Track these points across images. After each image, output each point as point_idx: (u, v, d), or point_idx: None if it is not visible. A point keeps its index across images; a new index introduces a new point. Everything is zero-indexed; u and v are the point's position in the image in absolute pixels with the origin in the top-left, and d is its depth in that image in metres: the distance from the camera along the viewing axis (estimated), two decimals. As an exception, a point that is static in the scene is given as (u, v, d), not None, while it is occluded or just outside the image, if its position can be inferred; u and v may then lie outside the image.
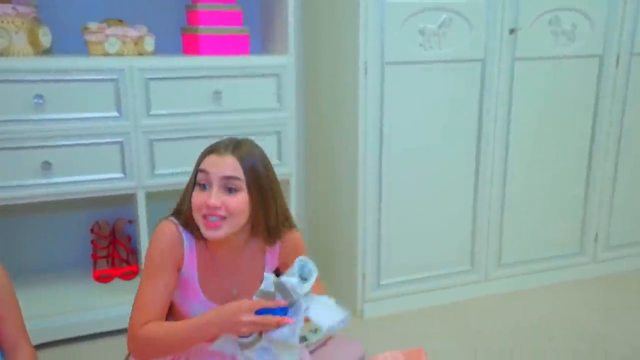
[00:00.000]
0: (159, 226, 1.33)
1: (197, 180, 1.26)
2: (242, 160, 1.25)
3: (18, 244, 2.30)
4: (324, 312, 1.25)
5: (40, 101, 1.85)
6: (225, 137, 1.34)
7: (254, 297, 1.20)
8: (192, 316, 1.35)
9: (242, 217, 1.27)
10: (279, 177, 2.21)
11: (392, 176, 2.21)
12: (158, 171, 2.03)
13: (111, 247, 2.37)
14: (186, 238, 1.32)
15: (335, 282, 2.52)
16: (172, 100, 2.01)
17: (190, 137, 2.04)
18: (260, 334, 1.21)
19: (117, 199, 2.29)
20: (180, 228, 1.32)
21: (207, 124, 2.05)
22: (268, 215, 1.30)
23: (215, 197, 1.22)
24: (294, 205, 2.30)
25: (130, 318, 1.26)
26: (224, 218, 1.24)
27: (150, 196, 2.07)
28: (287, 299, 1.19)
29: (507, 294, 2.49)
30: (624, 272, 2.70)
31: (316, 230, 2.74)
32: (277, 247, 1.41)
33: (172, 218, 1.34)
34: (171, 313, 1.40)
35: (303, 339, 2.14)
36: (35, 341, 1.99)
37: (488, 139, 2.33)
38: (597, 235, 2.63)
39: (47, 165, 1.90)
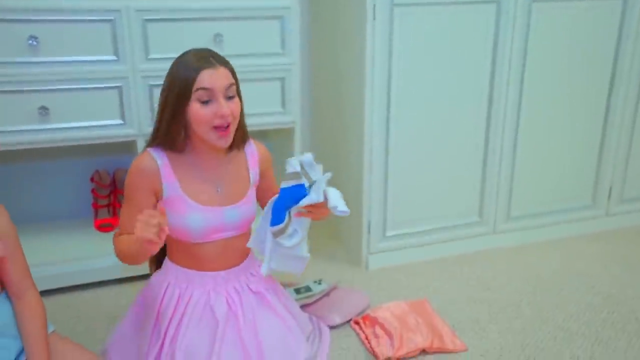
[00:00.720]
0: (133, 162, 1.45)
1: (197, 98, 1.33)
2: (229, 68, 1.38)
3: (19, 192, 2.27)
4: (337, 196, 1.35)
5: (35, 43, 1.78)
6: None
7: (283, 183, 1.36)
8: (191, 231, 1.43)
9: (239, 118, 1.42)
10: (282, 126, 2.20)
11: (399, 125, 2.13)
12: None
13: (112, 196, 2.34)
14: (158, 157, 1.42)
15: (341, 232, 2.49)
16: (171, 44, 1.92)
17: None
18: (290, 216, 1.36)
19: (117, 147, 2.25)
20: (152, 152, 1.43)
21: (208, 68, 1.97)
22: (243, 117, 1.46)
23: (225, 106, 1.34)
24: (297, 156, 2.24)
25: (113, 241, 1.45)
26: (229, 125, 1.36)
27: (151, 144, 2.01)
28: (308, 179, 1.35)
29: (516, 247, 2.45)
30: (637, 226, 2.64)
31: (322, 181, 2.70)
32: (256, 154, 1.57)
33: (148, 148, 1.45)
34: (175, 243, 1.50)
35: (308, 288, 2.14)
36: (38, 288, 2.01)
37: (501, 87, 2.23)
38: (611, 188, 2.56)
39: (44, 111, 1.84)
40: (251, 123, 2.08)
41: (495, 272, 2.25)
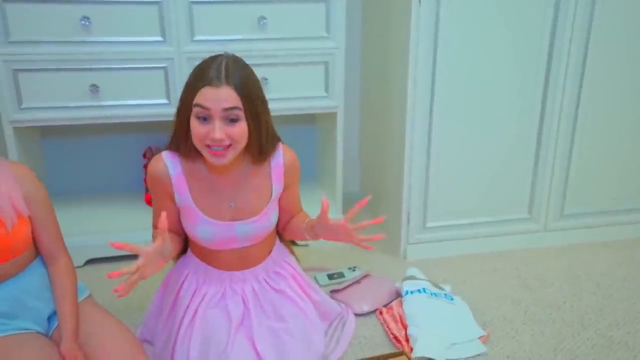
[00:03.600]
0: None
1: (195, 114, 1.27)
2: (238, 89, 1.26)
3: (76, 165, 2.41)
4: None
5: (87, 23, 1.87)
6: (222, 53, 1.34)
7: None
8: (201, 240, 1.44)
9: (244, 142, 1.32)
10: (325, 111, 2.20)
11: (444, 112, 2.06)
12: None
13: (162, 173, 2.43)
14: (172, 165, 1.40)
15: (383, 222, 2.46)
16: (216, 26, 1.96)
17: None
18: None
19: (167, 125, 2.31)
20: (167, 159, 1.41)
21: (251, 51, 1.99)
22: (260, 136, 1.35)
23: (218, 131, 1.25)
24: (340, 141, 2.23)
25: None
26: (228, 146, 1.29)
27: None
28: None
29: (565, 247, 2.32)
30: None
31: (364, 167, 2.67)
32: (282, 164, 1.47)
33: (162, 153, 1.42)
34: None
35: (341, 274, 2.14)
36: (85, 257, 2.15)
37: (559, 73, 2.09)
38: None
39: (94, 89, 1.94)
40: (294, 107, 2.11)
41: (538, 272, 2.15)
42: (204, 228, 1.43)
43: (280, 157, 1.47)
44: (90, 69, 1.92)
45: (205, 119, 1.27)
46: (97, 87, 1.94)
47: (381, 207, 2.45)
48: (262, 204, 1.47)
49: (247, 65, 1.34)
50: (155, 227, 1.40)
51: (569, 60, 2.08)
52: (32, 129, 2.19)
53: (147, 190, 2.43)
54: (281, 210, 1.56)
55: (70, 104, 1.94)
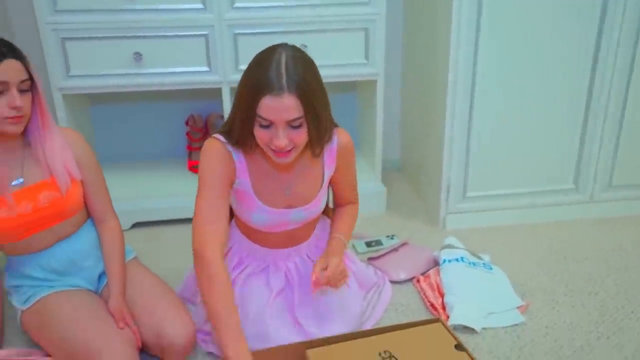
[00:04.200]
0: (205, 144, 1.40)
1: (258, 122, 1.25)
2: (300, 97, 1.22)
3: (121, 132, 2.49)
4: None
5: (130, -9, 1.90)
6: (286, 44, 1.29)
7: None
8: (258, 225, 1.46)
9: (305, 142, 1.32)
10: (364, 78, 2.17)
11: (488, 80, 2.01)
12: (242, 66, 2.03)
13: (204, 139, 2.47)
14: (235, 154, 1.39)
15: (421, 190, 2.45)
16: (256, -8, 1.96)
17: (275, 32, 2.00)
18: None
19: (209, 92, 2.36)
20: (229, 147, 1.37)
21: (291, 18, 1.99)
22: (320, 135, 1.33)
23: (282, 139, 1.25)
24: (380, 109, 2.22)
25: (192, 232, 1.34)
26: (291, 149, 1.30)
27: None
28: None
29: (612, 219, 2.26)
30: None
31: (405, 135, 2.64)
32: (335, 148, 1.46)
33: (219, 136, 1.38)
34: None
35: (379, 242, 2.15)
36: (131, 220, 2.23)
37: (611, 40, 2.00)
38: None
39: (138, 56, 1.98)
40: (333, 74, 2.10)
41: (583, 244, 2.10)
42: (259, 215, 1.45)
43: (335, 142, 1.47)
44: (134, 37, 1.96)
45: (268, 126, 1.26)
46: (141, 55, 1.97)
47: (421, 176, 2.43)
48: (315, 191, 1.49)
49: (306, 58, 1.28)
50: (203, 219, 1.33)
51: (622, 26, 1.98)
52: (81, 96, 2.26)
53: (189, 156, 2.48)
54: (334, 191, 1.58)
55: (115, 72, 1.99)
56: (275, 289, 1.54)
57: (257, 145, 1.34)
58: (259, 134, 1.27)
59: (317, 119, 1.28)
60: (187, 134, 2.47)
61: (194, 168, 2.42)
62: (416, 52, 2.38)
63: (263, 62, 1.24)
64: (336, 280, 1.45)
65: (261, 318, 1.48)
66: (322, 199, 1.52)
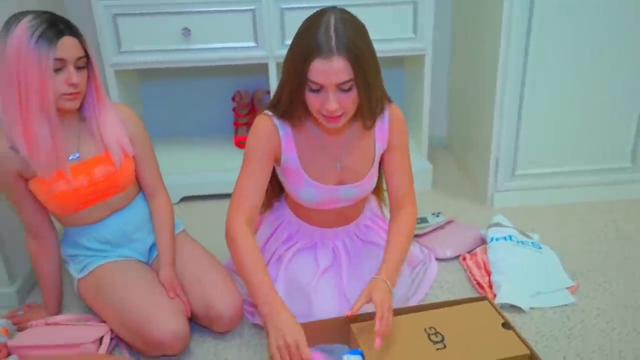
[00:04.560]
0: (255, 120, 1.40)
1: (309, 86, 1.25)
2: (350, 59, 1.20)
3: (169, 107, 2.53)
4: None
5: (179, -33, 1.91)
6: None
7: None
8: (307, 201, 1.46)
9: (355, 107, 1.30)
10: (412, 53, 2.13)
11: (540, 54, 1.93)
12: (288, 41, 2.01)
13: (251, 116, 2.49)
14: (281, 127, 1.38)
15: (468, 167, 2.40)
16: (303, -35, 1.94)
17: (321, 6, 1.96)
18: None
19: (255, 68, 2.35)
20: (275, 119, 1.38)
21: (338, -8, 1.96)
22: (370, 101, 1.31)
23: (332, 102, 1.24)
24: (427, 85, 2.17)
25: (230, 202, 1.40)
26: (341, 114, 1.28)
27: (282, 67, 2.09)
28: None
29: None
30: None
31: (452, 111, 2.59)
32: (387, 123, 1.43)
33: (267, 111, 1.39)
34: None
35: (424, 220, 2.13)
36: (180, 194, 2.28)
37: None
38: None
39: (186, 32, 2.00)
40: (380, 49, 2.03)
41: (638, 225, 2.02)
42: (308, 191, 1.44)
43: (387, 117, 1.43)
44: (183, 13, 1.97)
45: (318, 90, 1.25)
46: (189, 30, 1.99)
47: (469, 153, 2.39)
48: (366, 167, 1.46)
49: (356, 21, 1.26)
50: (240, 197, 1.38)
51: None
52: (131, 72, 2.30)
53: (236, 132, 2.51)
54: (388, 182, 1.50)
55: (164, 47, 2.01)
56: (322, 266, 1.55)
57: (306, 115, 1.34)
58: (310, 99, 1.26)
59: (367, 84, 1.26)
60: (234, 109, 2.50)
61: (240, 144, 2.45)
62: (465, 25, 2.32)
63: (312, 26, 1.23)
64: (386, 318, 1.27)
65: (307, 293, 1.50)
66: (374, 176, 1.49)
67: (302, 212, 1.57)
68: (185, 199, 2.28)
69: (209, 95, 2.52)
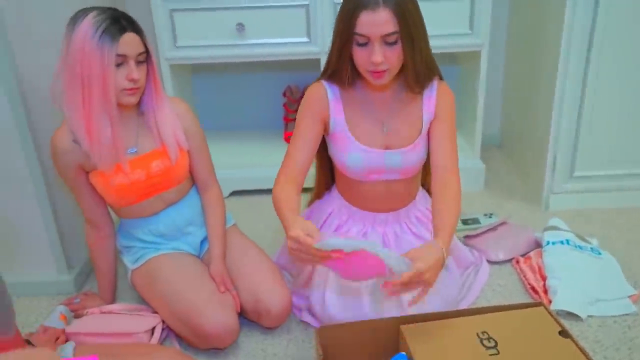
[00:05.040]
0: (308, 88, 1.45)
1: (356, 40, 1.29)
2: (395, 11, 1.25)
3: (220, 101, 2.55)
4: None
5: (235, -37, 1.92)
6: None
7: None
8: (349, 168, 1.46)
9: (400, 63, 1.33)
10: (468, 49, 2.08)
11: (604, 51, 1.85)
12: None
13: (300, 111, 2.49)
14: (330, 90, 1.43)
15: (522, 166, 2.33)
16: (358, -40, 1.91)
17: (375, 1, 1.95)
18: None
19: (307, 63, 2.35)
20: (325, 84, 1.44)
21: (393, -14, 1.92)
22: (415, 60, 1.33)
23: (378, 54, 1.27)
24: (483, 82, 2.12)
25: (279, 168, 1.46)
26: (386, 69, 1.31)
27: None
28: None
29: None
30: None
31: (506, 109, 2.52)
32: (435, 96, 1.45)
33: (322, 80, 1.43)
34: (340, 175, 1.55)
35: (476, 220, 2.09)
36: (230, 188, 2.30)
37: None
38: None
39: (240, 27, 2.01)
40: (435, 45, 2.00)
41: None
42: (355, 155, 1.44)
43: (434, 89, 1.45)
44: (238, 8, 1.98)
45: (365, 44, 1.29)
46: (243, 25, 2.00)
47: (523, 153, 2.32)
48: (413, 134, 1.45)
49: None
50: (289, 163, 1.41)
51: None
52: (184, 66, 2.34)
53: (286, 128, 2.51)
54: (431, 151, 1.47)
55: (219, 43, 2.03)
56: None
57: (353, 76, 1.38)
58: (357, 54, 1.31)
59: (412, 39, 1.29)
60: (284, 105, 2.50)
61: (289, 139, 2.45)
62: (523, 21, 2.24)
63: None
64: (411, 286, 1.18)
65: (357, 290, 1.48)
66: (421, 148, 1.46)
67: (352, 194, 1.56)
68: (234, 193, 2.30)
69: (259, 90, 2.53)
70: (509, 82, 2.47)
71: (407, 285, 1.14)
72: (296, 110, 2.46)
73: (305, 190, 2.13)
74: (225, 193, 2.27)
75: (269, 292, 1.49)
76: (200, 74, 2.49)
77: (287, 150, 1.46)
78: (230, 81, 2.51)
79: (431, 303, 1.48)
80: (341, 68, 1.37)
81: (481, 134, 2.23)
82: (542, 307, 1.42)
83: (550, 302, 1.58)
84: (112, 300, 1.66)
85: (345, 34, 1.29)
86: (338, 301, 1.49)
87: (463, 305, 1.60)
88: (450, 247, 1.59)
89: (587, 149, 2.00)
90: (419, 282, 1.16)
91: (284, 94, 2.50)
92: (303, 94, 2.46)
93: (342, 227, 1.59)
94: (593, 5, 1.79)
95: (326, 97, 1.43)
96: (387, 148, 1.46)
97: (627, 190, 2.06)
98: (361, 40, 1.28)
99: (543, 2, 2.01)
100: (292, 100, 2.48)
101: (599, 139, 1.98)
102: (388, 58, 1.29)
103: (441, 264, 1.22)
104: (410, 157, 1.46)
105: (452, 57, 2.43)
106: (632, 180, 2.05)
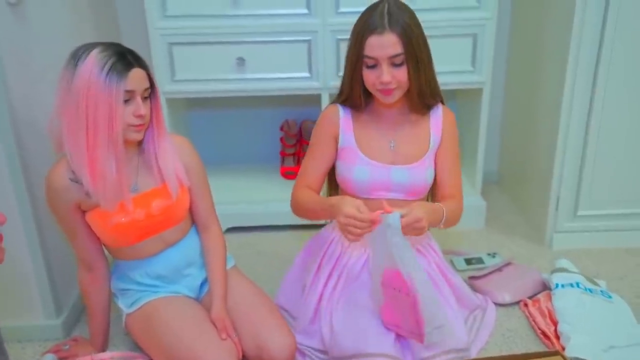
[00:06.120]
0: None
1: (366, 63, 1.38)
2: (401, 35, 1.33)
3: (216, 136, 2.50)
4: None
5: (236, -3, 1.89)
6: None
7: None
8: (359, 182, 1.49)
9: (408, 82, 1.40)
10: (470, 86, 2.07)
11: (610, 85, 1.84)
12: (342, 73, 1.98)
13: (298, 146, 2.45)
14: (342, 110, 1.51)
15: (525, 205, 2.30)
16: (361, -3, 1.90)
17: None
18: None
19: (305, 99, 2.32)
20: (339, 106, 1.51)
21: (396, 23, 1.91)
22: (419, 80, 1.40)
23: (386, 74, 1.36)
24: (484, 119, 2.11)
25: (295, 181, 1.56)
26: (395, 87, 1.39)
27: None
28: None
29: None
30: None
31: (506, 146, 2.51)
32: (441, 117, 1.52)
33: (335, 103, 1.53)
34: (334, 187, 1.62)
35: (479, 260, 2.04)
36: (226, 225, 2.22)
37: None
38: None
39: (241, 61, 1.97)
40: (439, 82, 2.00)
41: None
42: (361, 169, 1.47)
43: (440, 111, 1.52)
44: (238, 42, 1.95)
45: (374, 66, 1.37)
46: (243, 60, 1.97)
47: (525, 191, 2.29)
48: (420, 152, 1.49)
49: (409, 8, 1.38)
50: (303, 180, 1.52)
51: None
52: (181, 100, 2.29)
53: (282, 162, 2.46)
54: (437, 177, 1.53)
55: (218, 77, 1.99)
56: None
57: (365, 98, 1.45)
58: (367, 76, 1.39)
59: (417, 61, 1.37)
60: (281, 139, 2.46)
61: (287, 174, 2.40)
62: (523, 58, 2.25)
63: (369, 10, 1.38)
64: (407, 231, 1.30)
65: (364, 330, 1.42)
66: (427, 167, 1.49)
67: None
68: (231, 229, 2.23)
69: (256, 124, 2.49)
70: (507, 119, 2.47)
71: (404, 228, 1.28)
72: (293, 145, 2.45)
73: (313, 226, 2.09)
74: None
75: (273, 339, 1.41)
76: (195, 109, 2.44)
77: (300, 169, 1.56)
78: (227, 114, 2.47)
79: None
80: (354, 91, 1.44)
81: (482, 171, 2.20)
82: (559, 357, 1.37)
83: (563, 348, 1.53)
84: (104, 347, 1.56)
85: (355, 57, 1.38)
86: (345, 328, 1.43)
87: (473, 349, 1.55)
88: (454, 283, 1.60)
89: (590, 188, 1.98)
90: (415, 227, 1.30)
91: (281, 128, 2.46)
92: (300, 128, 2.46)
93: (343, 254, 1.54)
94: (597, 44, 1.80)
95: (337, 116, 1.50)
96: (393, 164, 1.47)
97: (633, 230, 2.04)
98: (370, 62, 1.37)
99: (545, 42, 2.01)
100: (290, 135, 2.44)
101: (603, 178, 1.97)
102: (395, 77, 1.36)
103: (439, 217, 1.40)
104: (416, 174, 1.48)
105: (450, 94, 2.41)
106: (637, 219, 2.02)
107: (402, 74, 1.37)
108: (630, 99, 1.86)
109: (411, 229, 1.30)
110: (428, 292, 1.33)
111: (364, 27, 1.35)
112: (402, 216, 1.28)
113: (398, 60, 1.35)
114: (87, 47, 1.25)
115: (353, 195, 1.47)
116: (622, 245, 2.04)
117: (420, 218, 1.29)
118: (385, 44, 1.33)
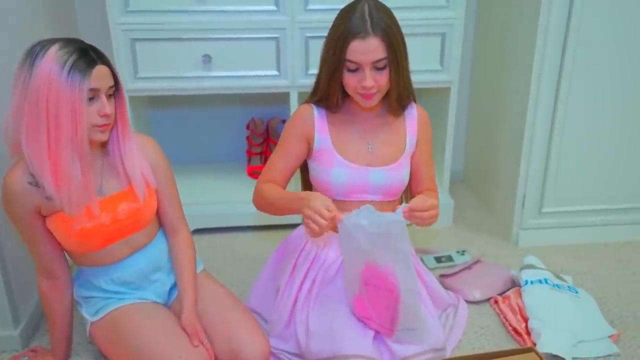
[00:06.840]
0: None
1: (347, 66, 1.34)
2: (384, 39, 1.31)
3: (180, 135, 2.43)
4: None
5: (202, -8, 1.84)
6: None
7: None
8: (337, 184, 1.46)
9: (388, 85, 1.39)
10: (438, 85, 2.07)
11: (574, 85, 1.87)
12: (311, 71, 1.96)
13: (265, 145, 2.41)
14: (317, 111, 1.47)
15: (491, 203, 2.33)
16: (330, -6, 1.88)
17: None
18: None
19: (272, 97, 2.28)
20: (314, 106, 1.47)
21: (365, 21, 1.89)
22: (399, 83, 1.39)
23: (369, 79, 1.34)
24: (452, 118, 2.12)
25: (260, 175, 1.51)
26: (376, 91, 1.37)
27: (304, 97, 2.01)
28: None
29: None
30: None
31: (471, 145, 2.53)
32: (416, 118, 1.52)
33: (309, 102, 1.49)
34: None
35: (449, 258, 2.05)
36: (191, 227, 2.14)
37: None
38: None
39: (207, 59, 1.92)
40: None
41: (670, 267, 1.96)
42: (339, 171, 1.45)
43: (414, 111, 1.52)
44: (204, 39, 1.90)
45: (356, 70, 1.34)
46: (210, 57, 1.91)
47: (491, 188, 2.32)
48: (397, 153, 1.48)
49: (387, 8, 1.36)
50: (269, 177, 1.47)
51: None
52: (142, 99, 2.21)
53: (249, 161, 2.42)
54: (412, 175, 1.53)
55: (183, 74, 1.93)
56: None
57: (342, 99, 1.43)
58: (348, 79, 1.36)
59: (398, 65, 1.35)
60: (248, 138, 2.41)
61: (253, 174, 2.35)
62: (488, 58, 2.27)
63: (348, 12, 1.34)
64: (424, 218, 1.29)
65: (340, 332, 1.39)
66: (404, 167, 1.49)
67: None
68: (197, 231, 2.17)
69: (222, 123, 2.43)
70: (473, 118, 2.49)
71: (420, 211, 1.27)
72: (260, 144, 2.41)
73: (282, 227, 2.05)
74: (187, 232, 2.13)
75: (247, 344, 1.37)
76: (158, 107, 2.37)
77: (267, 165, 1.50)
78: (191, 112, 2.40)
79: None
80: (331, 93, 1.41)
81: (449, 169, 2.21)
82: (532, 353, 1.38)
83: (534, 344, 1.55)
84: (66, 358, 1.49)
85: (336, 61, 1.34)
86: (321, 329, 1.40)
87: (447, 348, 1.54)
88: (427, 281, 1.62)
89: (555, 185, 2.02)
90: (431, 216, 1.29)
91: (248, 127, 2.41)
92: (267, 127, 2.42)
93: (319, 256, 1.52)
94: (562, 45, 1.83)
95: (312, 117, 1.46)
96: (371, 166, 1.46)
97: (596, 225, 2.09)
98: (352, 66, 1.34)
99: (511, 41, 2.03)
100: (256, 134, 2.39)
101: (568, 175, 2.01)
102: (377, 81, 1.35)
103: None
104: (394, 175, 1.47)
105: (417, 92, 2.42)
106: (601, 215, 2.08)
107: (384, 77, 1.35)
108: (594, 97, 1.90)
109: (428, 217, 1.28)
110: (411, 301, 1.31)
111: (346, 31, 1.31)
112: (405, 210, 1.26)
113: (381, 64, 1.33)
114: (45, 44, 1.17)
115: (330, 198, 1.45)
116: (586, 240, 2.09)
117: (435, 204, 1.30)
118: (368, 49, 1.30)
